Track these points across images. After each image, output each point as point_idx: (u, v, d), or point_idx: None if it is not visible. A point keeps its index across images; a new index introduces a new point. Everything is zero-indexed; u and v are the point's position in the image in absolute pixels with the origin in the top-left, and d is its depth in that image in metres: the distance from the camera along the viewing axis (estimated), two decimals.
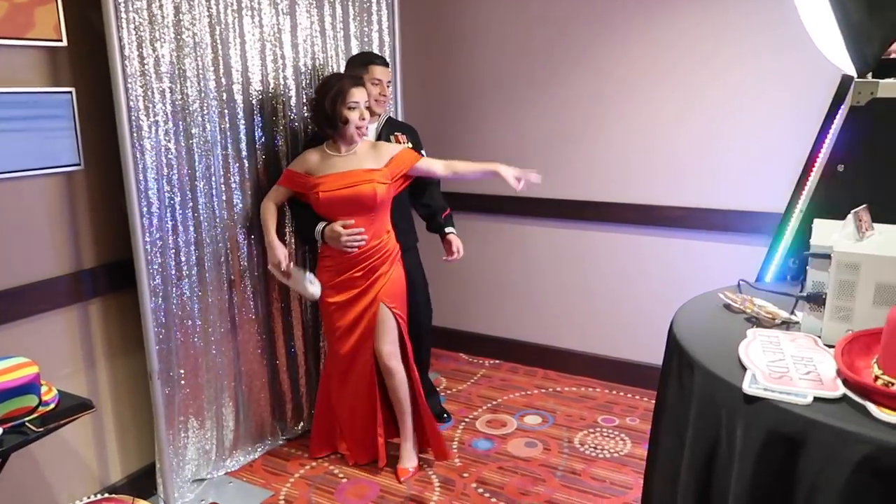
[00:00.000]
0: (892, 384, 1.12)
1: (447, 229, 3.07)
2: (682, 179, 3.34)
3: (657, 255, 3.47)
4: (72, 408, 2.07)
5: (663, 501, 1.42)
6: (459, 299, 4.12)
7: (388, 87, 2.88)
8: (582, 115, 3.53)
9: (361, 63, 2.85)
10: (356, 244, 2.66)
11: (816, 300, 1.37)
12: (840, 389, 1.17)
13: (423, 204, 3.08)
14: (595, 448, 3.09)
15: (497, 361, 4.05)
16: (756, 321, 1.49)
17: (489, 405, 3.52)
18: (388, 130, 2.97)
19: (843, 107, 1.68)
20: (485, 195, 3.87)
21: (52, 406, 2.03)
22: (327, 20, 3.06)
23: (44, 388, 2.06)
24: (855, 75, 1.69)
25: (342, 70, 3.07)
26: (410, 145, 2.96)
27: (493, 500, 2.72)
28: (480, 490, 2.79)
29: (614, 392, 3.63)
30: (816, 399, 1.15)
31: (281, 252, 2.71)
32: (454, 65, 3.83)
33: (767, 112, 3.09)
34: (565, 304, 3.78)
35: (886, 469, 1.03)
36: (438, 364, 4.01)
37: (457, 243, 3.05)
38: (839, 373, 1.20)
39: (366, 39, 3.27)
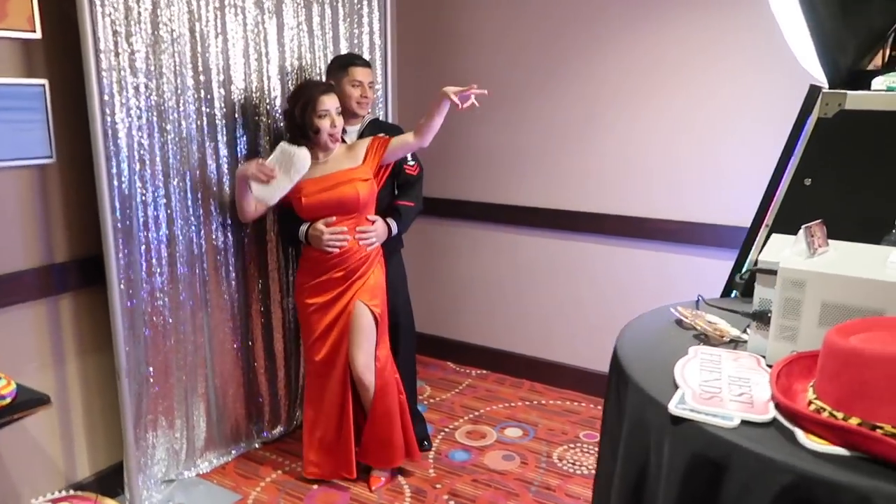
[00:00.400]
0: (824, 410, 1.05)
1: (389, 220, 2.82)
2: (677, 192, 3.27)
3: (652, 268, 3.39)
4: (28, 402, 2.05)
5: None
6: (449, 307, 4.07)
7: (370, 88, 2.83)
8: (577, 123, 3.47)
9: (341, 65, 2.80)
10: (338, 244, 2.62)
11: (762, 318, 1.30)
12: (770, 413, 1.10)
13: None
14: (573, 464, 3.01)
15: (484, 371, 3.99)
16: (704, 338, 1.42)
17: (471, 416, 3.46)
18: (371, 132, 2.91)
19: (810, 119, 1.61)
20: (478, 203, 3.82)
21: (8, 400, 2.01)
22: (315, 20, 3.04)
23: (2, 382, 2.04)
24: (826, 86, 1.62)
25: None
26: None
27: None
28: (452, 502, 2.73)
29: (600, 407, 3.51)
30: (744, 422, 1.08)
31: (249, 163, 2.56)
32: (448, 67, 3.79)
33: (761, 124, 3.01)
34: (556, 315, 3.71)
35: (807, 500, 0.96)
36: (425, 372, 3.95)
37: (377, 227, 2.72)
38: (773, 396, 1.13)
39: (356, 41, 3.24)
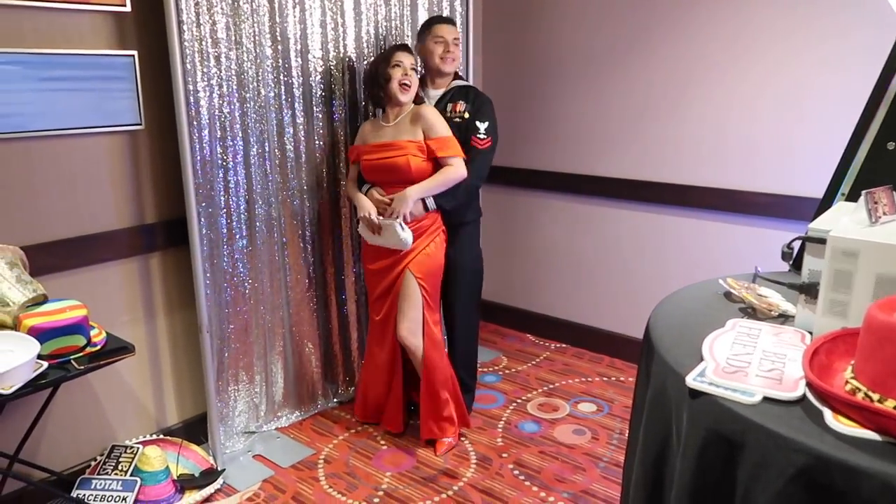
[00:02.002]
0: (859, 391, 0.95)
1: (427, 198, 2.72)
2: (773, 162, 3.05)
3: (746, 243, 3.18)
4: (116, 350, 2.22)
5: (625, 495, 1.31)
6: (529, 279, 4.02)
7: (454, 45, 2.81)
8: (663, 90, 3.30)
9: (426, 26, 2.85)
10: (362, 233, 2.73)
11: (811, 291, 1.19)
12: (799, 391, 1.01)
13: None
14: None
15: (563, 345, 3.92)
16: (752, 312, 1.32)
17: (545, 388, 3.42)
18: (453, 97, 2.87)
19: None
20: (560, 173, 3.73)
21: (98, 347, 2.19)
22: None
23: (94, 331, 2.22)
24: None
25: (405, 39, 3.06)
26: (467, 116, 2.88)
27: (527, 483, 2.65)
28: (516, 472, 2.72)
29: None
30: (766, 399, 1.00)
31: (367, 203, 2.68)
32: (532, 32, 3.70)
33: (852, 91, 2.74)
34: (641, 291, 3.57)
35: (824, 484, 0.88)
36: (503, 343, 3.94)
37: (395, 206, 2.64)
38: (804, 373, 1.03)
39: (435, 9, 3.22)
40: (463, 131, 2.80)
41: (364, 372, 3.02)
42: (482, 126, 2.82)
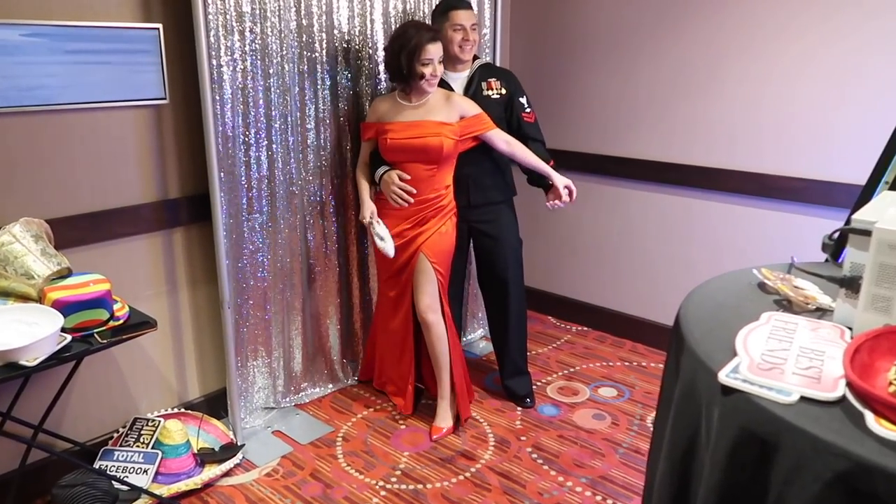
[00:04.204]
0: None
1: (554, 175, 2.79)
2: (808, 145, 2.96)
3: (775, 228, 3.11)
4: (138, 324, 2.22)
5: (649, 487, 1.28)
6: (552, 261, 3.98)
7: (472, 31, 2.76)
8: (693, 69, 3.21)
9: (442, 10, 2.76)
10: (400, 203, 2.66)
11: (852, 285, 1.14)
12: (838, 391, 0.97)
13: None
14: None
15: (585, 328, 3.89)
16: (787, 304, 1.28)
17: (565, 372, 3.40)
18: (481, 76, 2.85)
19: None
20: (585, 154, 3.67)
21: (121, 321, 2.19)
22: None
23: (117, 305, 2.23)
24: None
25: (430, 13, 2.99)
26: (505, 92, 2.85)
27: (545, 467, 2.64)
28: (534, 455, 2.71)
29: None
30: (804, 399, 0.96)
31: (367, 209, 2.73)
32: (559, 9, 3.61)
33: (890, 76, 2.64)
34: (665, 275, 3.52)
35: (865, 491, 0.84)
36: None
37: (563, 182, 2.76)
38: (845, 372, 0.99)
39: None
40: (504, 107, 2.87)
41: (373, 334, 3.06)
42: (524, 100, 2.90)
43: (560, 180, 2.75)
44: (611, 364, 3.48)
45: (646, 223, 3.54)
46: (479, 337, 3.77)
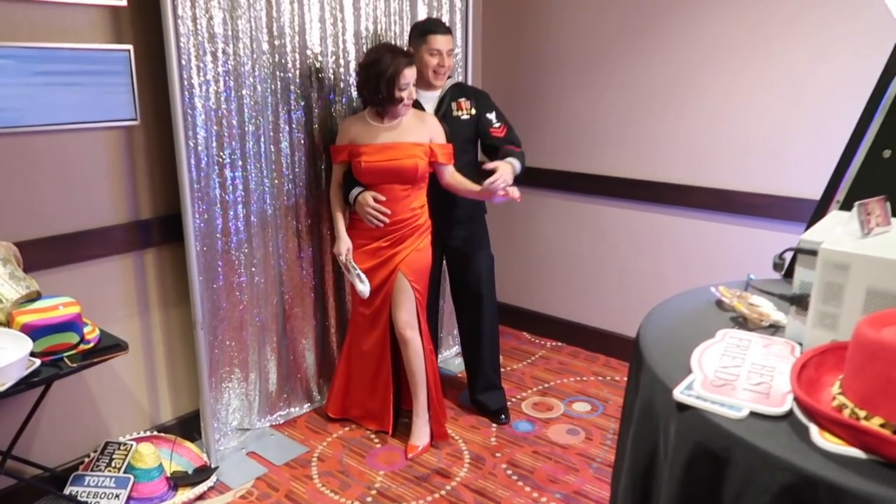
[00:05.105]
0: (846, 407, 0.95)
1: (510, 158, 2.77)
2: (773, 163, 3.03)
3: (741, 244, 3.17)
4: (109, 347, 2.21)
5: (613, 501, 1.31)
6: (526, 277, 4.02)
7: (448, 56, 2.79)
8: (663, 89, 3.28)
9: (420, 33, 2.78)
10: (377, 223, 2.67)
11: (802, 303, 1.18)
12: (786, 406, 1.00)
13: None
14: None
15: (559, 344, 3.92)
16: (743, 321, 1.32)
17: (540, 387, 3.42)
18: (452, 96, 2.88)
19: (894, 81, 1.43)
20: (558, 171, 3.72)
21: (91, 344, 2.18)
22: None
23: (87, 328, 2.22)
24: None
25: (405, 34, 3.04)
26: (475, 112, 2.88)
27: (520, 483, 2.65)
28: (509, 472, 2.72)
29: None
30: (753, 414, 1.00)
31: (343, 245, 2.75)
32: (531, 29, 3.68)
33: (847, 93, 2.72)
34: (637, 290, 3.57)
35: (809, 502, 0.88)
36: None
37: (503, 171, 2.64)
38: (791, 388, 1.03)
39: (434, 4, 3.20)
40: (473, 126, 2.90)
41: (344, 362, 3.01)
42: (492, 116, 2.92)
43: (501, 172, 2.64)
44: (585, 379, 3.52)
45: (617, 239, 3.60)
46: (454, 354, 3.78)
